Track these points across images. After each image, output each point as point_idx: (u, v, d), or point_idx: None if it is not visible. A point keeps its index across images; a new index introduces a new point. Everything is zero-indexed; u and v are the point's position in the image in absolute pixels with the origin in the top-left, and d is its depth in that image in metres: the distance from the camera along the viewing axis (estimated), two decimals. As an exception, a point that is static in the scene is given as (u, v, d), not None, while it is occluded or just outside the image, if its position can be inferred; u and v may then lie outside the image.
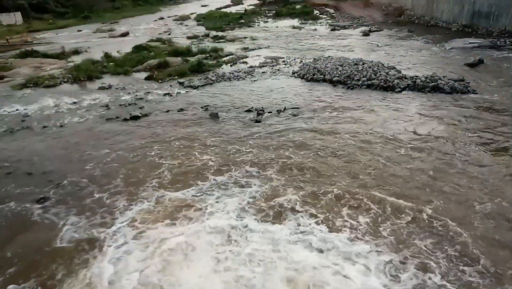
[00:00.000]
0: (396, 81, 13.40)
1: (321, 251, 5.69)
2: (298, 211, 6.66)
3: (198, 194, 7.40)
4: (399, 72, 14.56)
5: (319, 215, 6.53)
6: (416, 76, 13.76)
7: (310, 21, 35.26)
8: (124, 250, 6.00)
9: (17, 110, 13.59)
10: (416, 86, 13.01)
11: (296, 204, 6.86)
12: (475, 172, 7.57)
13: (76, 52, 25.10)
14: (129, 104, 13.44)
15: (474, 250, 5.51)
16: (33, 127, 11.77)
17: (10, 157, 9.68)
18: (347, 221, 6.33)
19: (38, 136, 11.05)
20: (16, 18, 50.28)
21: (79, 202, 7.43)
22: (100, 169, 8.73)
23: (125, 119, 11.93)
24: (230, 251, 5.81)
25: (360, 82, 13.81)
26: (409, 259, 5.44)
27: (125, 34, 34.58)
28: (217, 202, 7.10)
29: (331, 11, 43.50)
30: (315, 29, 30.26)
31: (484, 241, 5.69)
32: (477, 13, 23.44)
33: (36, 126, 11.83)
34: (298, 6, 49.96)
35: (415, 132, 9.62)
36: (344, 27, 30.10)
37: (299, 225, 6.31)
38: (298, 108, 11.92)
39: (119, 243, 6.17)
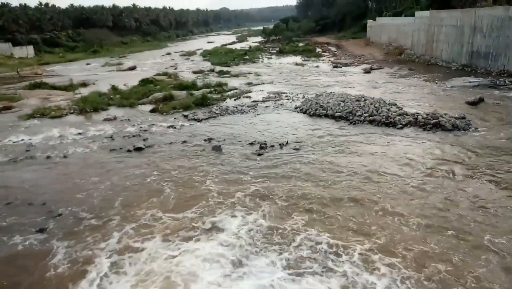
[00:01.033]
0: (397, 117, 13.54)
1: None
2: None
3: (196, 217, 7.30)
4: (401, 108, 14.75)
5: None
6: (418, 113, 13.91)
7: (313, 58, 36.25)
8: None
9: (22, 140, 13.74)
10: (417, 123, 13.12)
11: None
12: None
13: (84, 84, 25.74)
14: (133, 136, 13.57)
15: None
16: (37, 157, 11.85)
17: (11, 187, 9.67)
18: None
19: (41, 166, 11.09)
20: (28, 51, 52.11)
21: (76, 233, 7.32)
22: (101, 200, 8.68)
23: (129, 150, 12.00)
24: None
25: (362, 118, 13.96)
26: None
27: (132, 68, 35.60)
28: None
29: (333, 49, 44.83)
30: (318, 66, 31.04)
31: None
32: (475, 53, 24.06)
33: (39, 156, 11.91)
34: (301, 44, 51.65)
35: (418, 169, 9.58)
36: (346, 65, 30.87)
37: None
38: (301, 142, 11.99)
39: (112, 270, 6.04)
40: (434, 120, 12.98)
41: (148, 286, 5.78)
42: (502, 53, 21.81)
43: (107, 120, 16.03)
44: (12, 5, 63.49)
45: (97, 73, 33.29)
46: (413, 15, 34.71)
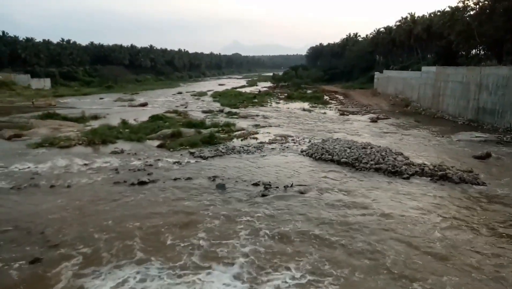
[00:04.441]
0: (404, 167, 13.46)
1: None
2: None
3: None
4: (407, 158, 14.71)
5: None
6: (424, 164, 13.84)
7: (320, 105, 36.94)
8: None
9: (28, 167, 13.81)
10: (424, 173, 13.01)
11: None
12: None
13: (95, 117, 26.31)
14: (138, 170, 13.58)
15: None
16: (41, 186, 11.83)
17: (11, 214, 9.56)
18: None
19: (43, 195, 11.03)
20: (45, 83, 54.04)
21: (70, 265, 7.11)
22: (100, 232, 8.52)
23: (132, 184, 11.95)
24: None
25: (368, 165, 13.90)
26: None
27: (144, 105, 36.51)
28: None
29: (341, 97, 45.78)
30: (325, 113, 31.53)
31: None
32: (481, 109, 24.38)
33: (43, 185, 11.89)
34: (309, 91, 52.93)
35: (428, 225, 9.34)
36: (353, 113, 31.33)
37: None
38: (306, 185, 11.87)
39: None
40: (441, 172, 12.86)
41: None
42: (508, 110, 22.06)
43: (114, 153, 16.15)
44: (36, 40, 66.76)
45: (109, 107, 34.11)
46: (419, 70, 35.75)
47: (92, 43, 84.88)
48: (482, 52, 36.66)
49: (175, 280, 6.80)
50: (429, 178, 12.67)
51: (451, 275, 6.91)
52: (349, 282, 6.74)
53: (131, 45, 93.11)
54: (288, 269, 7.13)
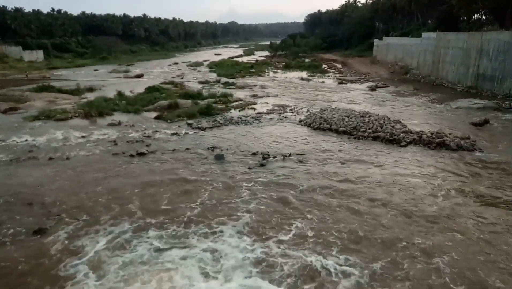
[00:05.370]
0: (401, 135, 13.49)
1: None
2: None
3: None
4: (405, 126, 14.72)
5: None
6: (422, 132, 13.86)
7: (318, 74, 36.48)
8: None
9: (26, 140, 13.77)
10: (422, 141, 13.06)
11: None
12: None
13: (91, 89, 25.94)
14: (137, 141, 13.57)
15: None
16: (39, 158, 11.84)
17: (12, 186, 9.63)
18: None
19: (43, 167, 11.07)
20: (38, 55, 52.87)
21: (74, 235, 7.26)
22: (101, 203, 8.63)
23: (131, 155, 11.98)
24: None
25: (366, 133, 13.92)
26: None
27: (139, 76, 35.93)
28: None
29: (339, 66, 45.13)
30: (323, 82, 31.20)
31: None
32: (481, 75, 24.13)
33: (42, 157, 11.90)
34: (307, 60, 52.09)
35: (424, 191, 9.48)
36: (351, 82, 31.02)
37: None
38: (304, 154, 11.93)
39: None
40: (439, 139, 12.91)
41: None
42: (508, 76, 21.85)
43: (111, 124, 16.08)
44: (25, 10, 64.74)
45: (104, 79, 33.59)
46: (419, 36, 35.03)
47: (83, 12, 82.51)
48: (484, 17, 35.82)
49: (174, 239, 7.09)
50: (427, 146, 12.75)
51: (444, 238, 7.09)
52: (351, 237, 7.16)
53: (124, 14, 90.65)
54: (291, 225, 7.59)
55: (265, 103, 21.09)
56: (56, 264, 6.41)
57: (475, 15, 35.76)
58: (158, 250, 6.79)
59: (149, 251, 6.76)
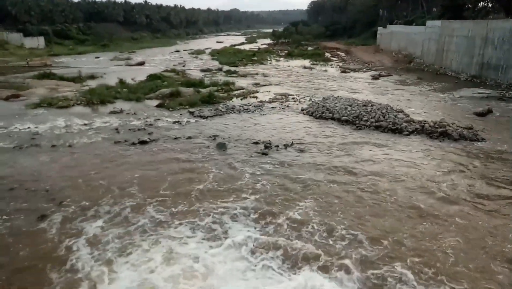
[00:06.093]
0: (404, 124, 13.45)
1: None
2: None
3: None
4: (408, 116, 14.66)
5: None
6: (425, 121, 13.81)
7: (321, 63, 36.21)
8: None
9: (28, 128, 13.79)
10: (424, 131, 13.02)
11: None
12: None
13: (92, 77, 25.85)
14: (139, 129, 13.59)
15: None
16: (42, 145, 11.89)
17: (16, 173, 9.70)
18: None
19: (45, 154, 11.11)
20: (39, 42, 52.48)
21: (76, 223, 7.34)
22: (102, 188, 8.70)
23: (133, 143, 12.01)
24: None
25: (368, 122, 13.88)
26: None
27: (141, 64, 35.75)
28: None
29: (342, 54, 44.75)
30: (326, 70, 30.98)
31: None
32: (486, 64, 23.90)
33: (44, 145, 11.95)
34: (310, 48, 51.65)
35: (425, 178, 9.50)
36: (354, 70, 30.80)
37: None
38: (306, 143, 11.93)
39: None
40: (441, 129, 12.87)
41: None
42: (512, 65, 21.64)
43: (113, 112, 16.07)
44: (25, -4, 63.94)
45: (105, 66, 33.44)
46: (424, 24, 34.60)
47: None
48: (489, 5, 35.26)
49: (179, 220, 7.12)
50: (429, 135, 12.72)
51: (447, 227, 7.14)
52: (357, 217, 7.42)
53: (125, 0, 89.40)
54: (297, 205, 7.91)
55: (267, 91, 20.99)
56: (58, 245, 6.58)
57: (481, 3, 35.17)
58: (160, 222, 7.29)
59: (150, 222, 7.27)
